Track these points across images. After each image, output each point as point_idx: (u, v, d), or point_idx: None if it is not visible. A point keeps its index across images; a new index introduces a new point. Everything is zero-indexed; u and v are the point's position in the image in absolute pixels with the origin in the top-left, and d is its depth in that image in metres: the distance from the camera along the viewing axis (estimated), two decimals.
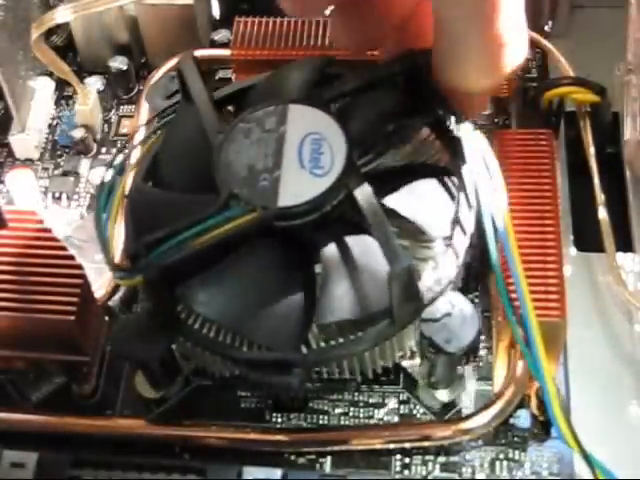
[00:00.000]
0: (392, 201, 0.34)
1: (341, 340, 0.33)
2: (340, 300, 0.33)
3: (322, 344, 0.33)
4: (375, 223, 0.32)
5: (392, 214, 0.34)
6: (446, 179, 0.36)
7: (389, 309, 0.32)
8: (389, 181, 0.35)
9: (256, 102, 0.37)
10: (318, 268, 0.34)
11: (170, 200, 0.36)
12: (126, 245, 0.35)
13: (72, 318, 0.34)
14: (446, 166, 0.36)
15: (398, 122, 0.36)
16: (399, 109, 0.37)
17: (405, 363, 0.36)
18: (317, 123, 0.35)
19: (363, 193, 0.33)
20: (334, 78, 0.37)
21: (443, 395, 0.36)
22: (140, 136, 0.40)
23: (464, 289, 0.36)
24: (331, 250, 0.34)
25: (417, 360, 0.36)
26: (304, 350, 0.33)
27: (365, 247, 0.33)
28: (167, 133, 0.38)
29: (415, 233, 0.35)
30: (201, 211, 0.33)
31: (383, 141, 0.36)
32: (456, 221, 0.35)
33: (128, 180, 0.37)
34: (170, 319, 0.33)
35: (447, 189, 0.36)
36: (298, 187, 0.33)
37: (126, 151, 0.39)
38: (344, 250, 0.34)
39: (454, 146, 0.36)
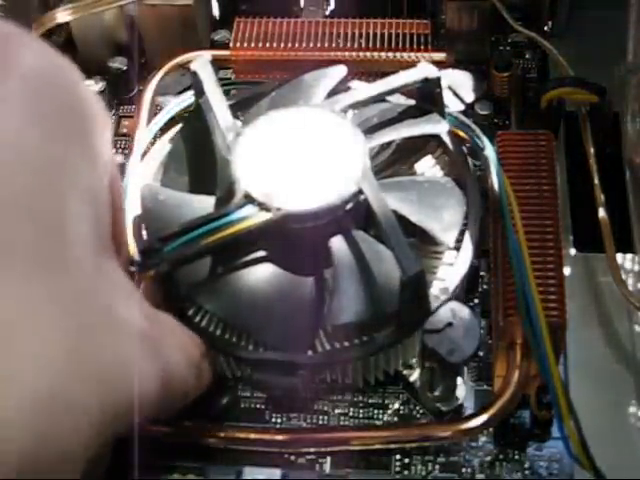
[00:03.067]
0: (403, 208, 0.34)
1: (347, 344, 0.33)
2: (349, 303, 0.33)
3: (328, 347, 0.33)
4: (388, 228, 0.32)
5: (403, 221, 0.34)
6: (455, 190, 0.36)
7: (397, 314, 0.33)
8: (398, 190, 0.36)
9: (273, 106, 0.37)
10: (329, 271, 0.34)
11: (183, 200, 0.36)
12: (138, 241, 0.36)
13: None
14: (455, 179, 0.37)
15: (410, 132, 0.37)
16: (411, 120, 0.37)
17: (405, 373, 0.36)
18: (333, 128, 0.35)
19: (377, 199, 0.33)
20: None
21: (442, 407, 0.36)
22: (142, 135, 0.40)
23: (465, 292, 0.37)
24: (343, 253, 0.34)
25: (417, 372, 0.36)
26: (310, 352, 0.33)
27: (376, 252, 0.33)
28: (180, 133, 0.39)
29: (424, 241, 0.35)
30: (215, 211, 0.33)
31: (395, 152, 0.37)
32: (464, 231, 0.35)
33: (135, 179, 0.37)
34: (176, 315, 0.33)
35: (456, 199, 0.36)
36: (312, 190, 0.33)
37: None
38: (356, 254, 0.34)
39: (462, 160, 0.37)
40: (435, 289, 0.34)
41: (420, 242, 0.35)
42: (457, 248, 0.35)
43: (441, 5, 0.48)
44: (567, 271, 0.39)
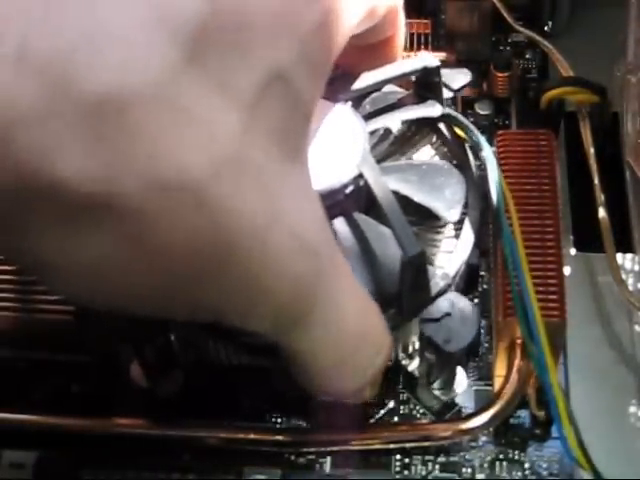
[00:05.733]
0: (404, 189, 0.34)
1: None
2: None
3: None
4: (389, 210, 0.32)
5: (405, 202, 0.34)
6: (453, 170, 0.36)
7: (398, 298, 0.32)
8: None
9: None
10: None
11: None
12: None
13: (72, 318, 0.34)
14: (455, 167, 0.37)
15: (405, 116, 0.37)
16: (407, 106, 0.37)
17: (404, 362, 0.36)
18: (333, 114, 0.35)
19: (377, 182, 0.33)
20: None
21: (441, 396, 0.36)
22: None
23: (465, 289, 0.37)
24: (345, 237, 0.34)
25: (416, 361, 0.36)
26: None
27: (378, 235, 0.33)
28: None
29: (426, 224, 0.35)
30: None
31: (394, 143, 0.37)
32: (464, 218, 0.35)
33: None
34: None
35: (455, 178, 0.36)
36: (313, 175, 0.33)
37: None
38: (357, 237, 0.34)
39: (461, 150, 0.37)
40: (437, 275, 0.34)
41: (421, 227, 0.35)
42: (457, 236, 0.35)
43: (441, 5, 0.48)
44: (567, 271, 0.39)
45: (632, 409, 0.36)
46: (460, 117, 0.38)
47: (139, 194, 0.22)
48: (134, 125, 0.22)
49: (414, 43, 0.44)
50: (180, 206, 0.23)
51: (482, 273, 0.39)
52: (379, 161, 0.37)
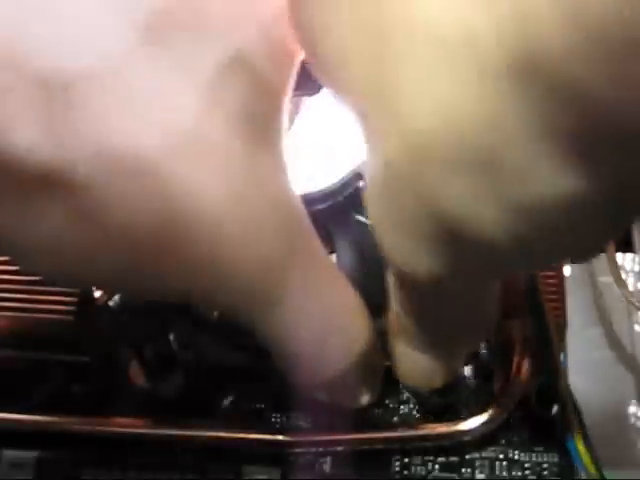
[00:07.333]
0: None
1: None
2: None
3: None
4: None
5: None
6: None
7: None
8: None
9: None
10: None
11: None
12: None
13: (72, 318, 0.34)
14: None
15: None
16: None
17: None
18: (332, 113, 0.35)
19: None
20: None
21: (441, 396, 0.36)
22: None
23: None
24: (343, 239, 0.34)
25: None
26: None
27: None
28: None
29: None
30: None
31: None
32: None
33: None
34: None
35: None
36: (312, 176, 0.33)
37: None
38: (356, 240, 0.34)
39: None
40: None
41: None
42: None
43: None
44: (567, 271, 0.39)
45: (632, 409, 0.36)
46: None
47: (89, 168, 0.22)
48: (83, 100, 0.22)
49: None
50: (132, 182, 0.23)
51: None
52: None
